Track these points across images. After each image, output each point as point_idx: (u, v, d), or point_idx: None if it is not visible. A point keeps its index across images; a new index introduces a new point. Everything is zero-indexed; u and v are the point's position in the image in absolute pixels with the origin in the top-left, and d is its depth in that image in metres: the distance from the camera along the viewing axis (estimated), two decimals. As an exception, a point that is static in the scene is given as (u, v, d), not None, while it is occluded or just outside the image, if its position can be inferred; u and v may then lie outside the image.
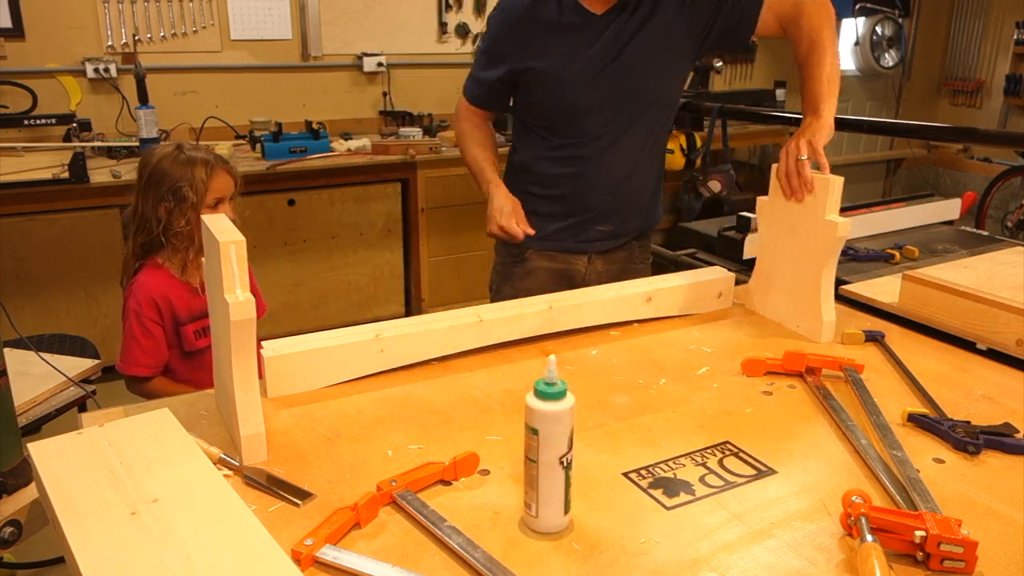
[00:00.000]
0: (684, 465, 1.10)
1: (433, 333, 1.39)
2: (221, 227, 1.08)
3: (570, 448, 0.92)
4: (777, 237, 1.58)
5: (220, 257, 1.02)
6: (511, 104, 1.90)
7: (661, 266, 2.49)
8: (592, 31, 1.71)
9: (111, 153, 3.50)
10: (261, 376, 1.22)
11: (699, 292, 1.64)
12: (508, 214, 1.74)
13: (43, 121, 3.33)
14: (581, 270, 1.90)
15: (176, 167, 1.79)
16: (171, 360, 1.84)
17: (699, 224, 2.45)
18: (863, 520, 0.90)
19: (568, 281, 1.87)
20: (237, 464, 1.06)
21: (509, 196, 1.77)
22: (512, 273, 1.92)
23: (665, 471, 1.08)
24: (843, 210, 2.27)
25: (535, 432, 0.91)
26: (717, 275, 1.67)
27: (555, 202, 1.85)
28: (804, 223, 1.51)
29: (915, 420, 1.20)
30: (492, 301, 1.89)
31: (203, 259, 1.14)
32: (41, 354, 1.74)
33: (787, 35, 1.78)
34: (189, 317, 1.82)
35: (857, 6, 5.74)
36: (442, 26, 4.39)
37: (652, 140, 1.84)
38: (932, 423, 1.18)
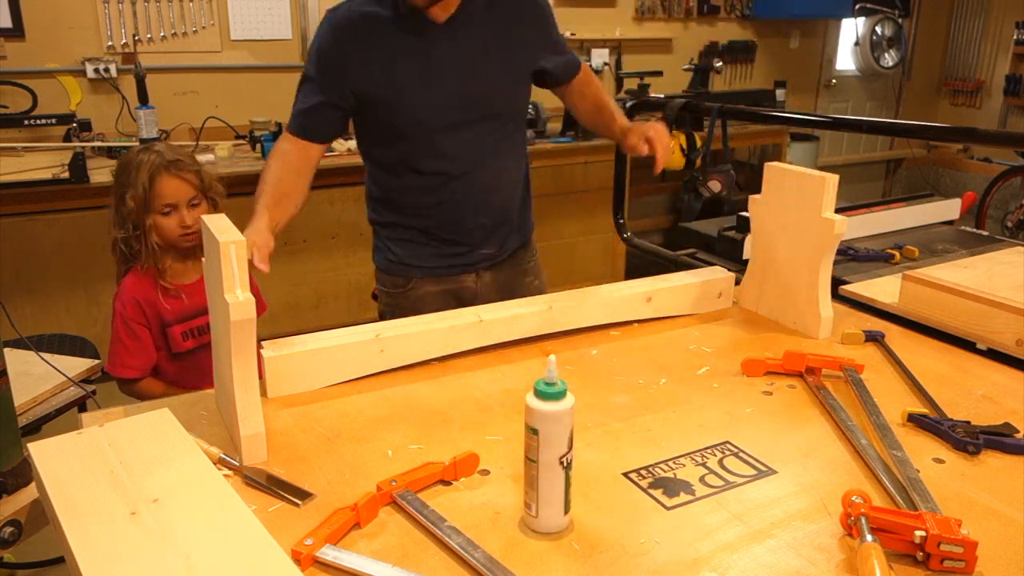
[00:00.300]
0: (684, 465, 1.10)
1: (433, 333, 1.39)
2: (221, 226, 1.08)
3: (570, 448, 0.92)
4: (771, 235, 1.58)
5: (220, 257, 1.02)
6: (355, 137, 1.79)
7: (661, 266, 2.49)
8: (436, 41, 1.62)
9: (111, 153, 3.50)
10: (261, 376, 1.22)
11: (699, 292, 1.64)
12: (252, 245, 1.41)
13: (43, 121, 3.32)
14: (471, 286, 1.83)
15: (128, 172, 1.75)
16: (160, 362, 1.83)
17: (699, 224, 2.45)
18: (863, 520, 0.90)
19: (459, 300, 1.81)
20: (237, 464, 1.06)
21: (260, 231, 1.47)
22: (399, 304, 1.82)
23: (665, 471, 1.08)
24: (843, 210, 2.28)
25: (535, 432, 0.91)
26: (717, 275, 1.67)
27: (428, 234, 1.77)
28: (799, 221, 1.51)
29: (915, 420, 1.20)
30: None
31: (203, 259, 1.14)
32: (41, 354, 1.73)
33: (571, 101, 1.91)
34: (175, 318, 1.81)
35: (857, 6, 5.74)
36: (442, 26, 4.39)
37: (511, 152, 1.78)
38: (932, 423, 1.18)
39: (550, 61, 1.78)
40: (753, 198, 1.60)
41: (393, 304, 1.84)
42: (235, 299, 1.03)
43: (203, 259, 1.14)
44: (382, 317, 1.89)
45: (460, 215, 1.74)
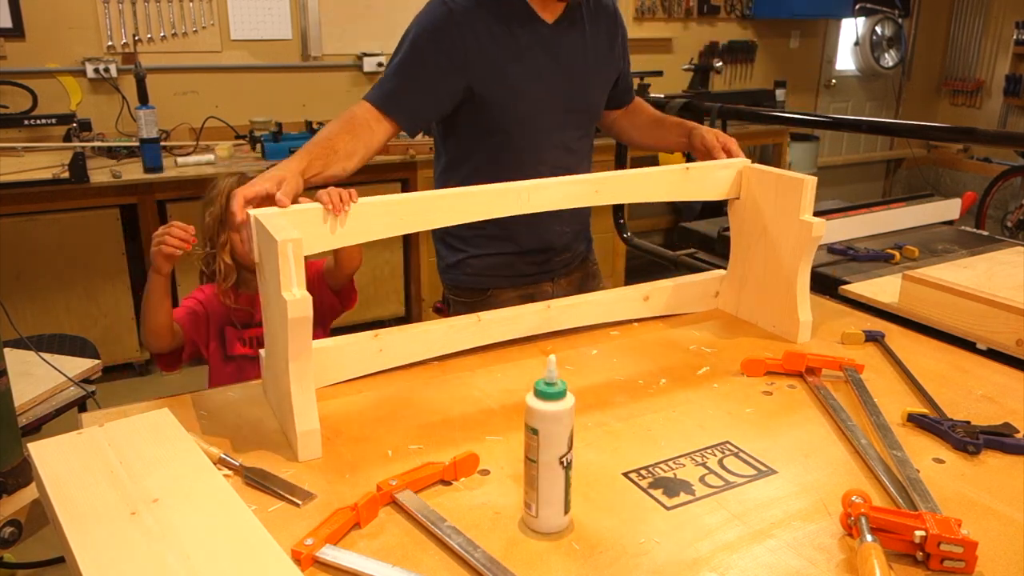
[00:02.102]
0: (684, 465, 1.10)
1: (432, 333, 1.39)
2: (277, 225, 1.08)
3: (570, 448, 0.92)
4: (750, 238, 1.58)
5: (278, 256, 1.03)
6: (438, 141, 1.73)
7: (661, 266, 2.49)
8: (547, 41, 1.61)
9: (111, 153, 3.50)
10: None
11: (696, 291, 1.64)
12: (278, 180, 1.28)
13: (43, 121, 3.33)
14: (548, 291, 1.82)
15: (209, 192, 1.80)
16: (211, 357, 1.83)
17: (699, 224, 2.45)
18: (863, 520, 0.90)
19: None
20: (237, 464, 1.06)
21: (289, 169, 1.33)
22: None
23: (665, 471, 1.08)
24: (843, 210, 2.28)
25: (535, 432, 0.91)
26: (714, 274, 1.67)
27: (511, 241, 1.73)
28: (778, 224, 1.50)
29: (915, 420, 1.20)
30: None
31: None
32: (41, 354, 1.74)
33: (623, 124, 1.92)
34: (237, 322, 1.81)
35: (857, 6, 5.74)
36: (442, 26, 4.39)
37: (589, 159, 1.79)
38: (932, 423, 1.18)
39: (618, 84, 1.82)
40: (732, 200, 1.60)
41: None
42: (292, 296, 1.03)
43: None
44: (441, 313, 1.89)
45: (547, 223, 1.68)
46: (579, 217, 1.83)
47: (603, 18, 1.71)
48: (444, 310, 1.89)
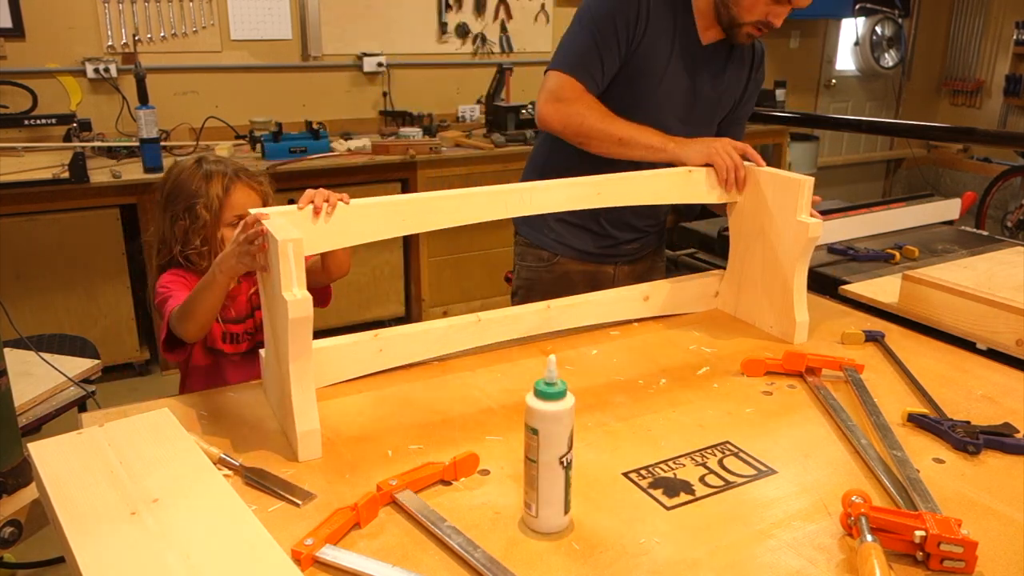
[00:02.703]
0: (684, 465, 1.10)
1: (432, 333, 1.39)
2: (276, 225, 1.08)
3: (570, 448, 0.92)
4: (748, 238, 1.58)
5: (278, 256, 1.03)
6: None
7: (661, 266, 2.49)
8: (697, 59, 1.70)
9: (111, 153, 3.50)
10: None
11: (696, 291, 1.64)
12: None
13: (43, 121, 3.32)
14: (610, 273, 1.91)
15: (192, 182, 1.65)
16: (195, 350, 1.76)
17: (699, 224, 2.45)
18: (863, 520, 0.90)
19: (597, 284, 1.84)
20: (237, 464, 1.06)
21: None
22: (540, 279, 1.90)
23: (665, 471, 1.08)
24: (843, 210, 2.28)
25: (535, 432, 0.91)
26: (713, 274, 1.67)
27: (593, 218, 1.82)
28: (775, 225, 1.50)
29: (915, 420, 1.20)
30: (521, 296, 1.93)
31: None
32: (41, 354, 1.73)
33: None
34: (221, 318, 1.75)
35: (857, 6, 5.74)
36: (442, 26, 4.39)
37: None
38: (932, 423, 1.18)
39: (724, 118, 1.85)
40: (731, 201, 1.59)
41: (533, 279, 1.91)
42: (293, 297, 1.03)
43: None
44: (514, 295, 1.95)
45: (624, 215, 1.80)
46: (655, 214, 1.89)
47: (747, 60, 1.80)
48: (511, 279, 1.99)
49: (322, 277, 1.74)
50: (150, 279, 1.71)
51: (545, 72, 1.69)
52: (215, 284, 1.27)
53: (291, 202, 1.25)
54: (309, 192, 1.24)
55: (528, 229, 1.92)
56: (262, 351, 1.26)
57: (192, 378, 1.79)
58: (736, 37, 1.67)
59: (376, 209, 1.26)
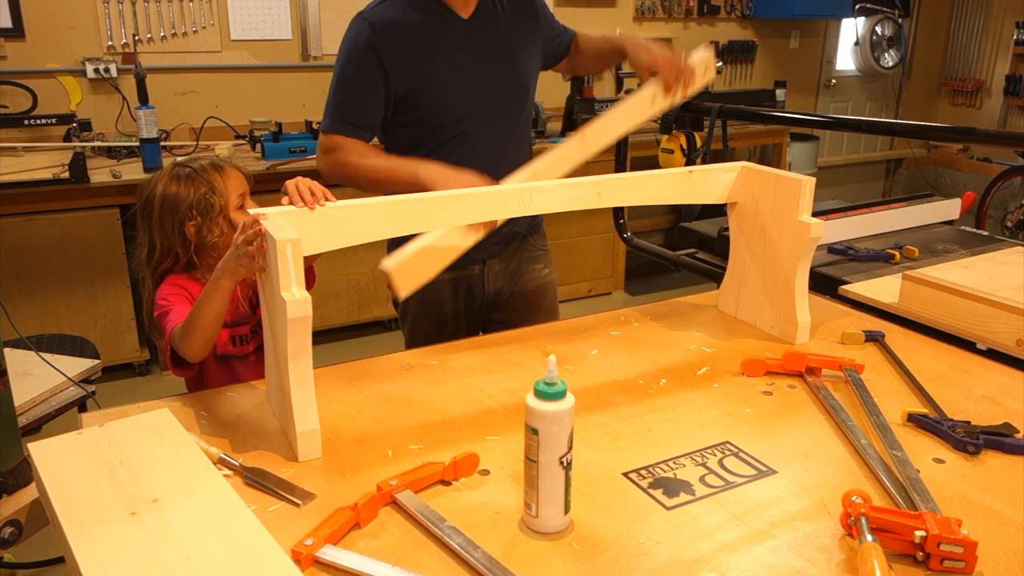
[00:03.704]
0: (684, 465, 1.10)
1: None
2: (275, 225, 1.08)
3: (570, 448, 0.92)
4: (748, 239, 1.58)
5: (276, 255, 1.03)
6: (382, 139, 1.79)
7: (661, 267, 2.49)
8: (464, 37, 1.69)
9: (111, 153, 3.50)
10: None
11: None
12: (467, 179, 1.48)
13: (43, 121, 3.32)
14: (478, 274, 1.84)
15: (188, 183, 1.65)
16: (207, 363, 1.75)
17: (699, 224, 2.45)
18: (863, 520, 0.90)
19: (468, 289, 1.83)
20: (237, 464, 1.06)
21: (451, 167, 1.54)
22: (415, 295, 1.71)
23: (665, 471, 1.08)
24: (843, 210, 2.28)
25: (535, 432, 0.91)
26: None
27: None
28: (776, 224, 1.50)
29: (915, 420, 1.20)
30: (402, 322, 1.87)
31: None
32: (41, 354, 1.73)
33: (571, 65, 1.98)
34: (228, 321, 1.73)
35: (857, 6, 5.74)
36: (442, 26, 4.39)
37: (525, 143, 1.85)
38: (932, 423, 1.18)
39: (550, 45, 1.88)
40: (731, 201, 1.59)
41: (406, 305, 1.85)
42: (292, 297, 1.03)
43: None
44: (396, 307, 1.91)
45: None
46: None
47: (524, 4, 1.79)
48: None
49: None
50: (144, 293, 1.68)
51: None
52: (218, 290, 1.27)
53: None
54: (289, 186, 1.25)
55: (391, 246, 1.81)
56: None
57: (207, 385, 1.76)
58: None
59: (376, 209, 1.26)
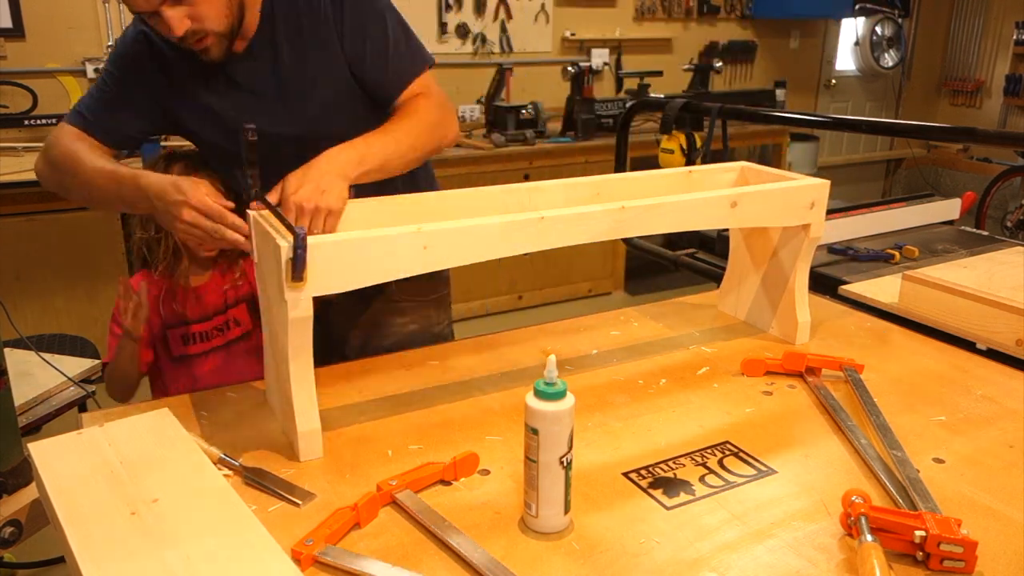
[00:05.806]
0: (684, 465, 1.10)
1: (486, 230, 1.17)
2: (276, 225, 1.08)
3: (570, 448, 0.92)
4: (749, 239, 1.57)
5: (280, 257, 1.03)
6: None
7: (661, 267, 2.49)
8: (233, 71, 1.42)
9: (111, 153, 3.50)
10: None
11: (787, 200, 1.39)
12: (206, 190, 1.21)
13: (43, 121, 3.32)
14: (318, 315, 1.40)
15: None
16: (163, 365, 1.75)
17: (699, 224, 2.45)
18: (863, 520, 0.90)
19: (373, 318, 1.63)
20: (237, 464, 1.06)
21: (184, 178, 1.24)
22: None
23: (665, 471, 1.08)
24: (844, 210, 2.28)
25: (535, 432, 0.91)
26: (808, 182, 1.42)
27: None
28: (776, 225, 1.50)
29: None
30: None
31: (253, 258, 1.16)
32: (41, 354, 1.73)
33: None
34: (177, 321, 1.73)
35: (857, 6, 5.74)
36: (442, 26, 4.39)
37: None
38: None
39: (365, 77, 1.51)
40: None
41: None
42: (293, 296, 1.03)
43: (254, 256, 1.16)
44: None
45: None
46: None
47: (312, 23, 1.41)
48: None
49: None
50: None
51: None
52: (124, 350, 1.31)
53: None
54: (294, 209, 1.16)
55: None
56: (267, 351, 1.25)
57: (165, 383, 1.76)
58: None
59: (375, 209, 1.26)
